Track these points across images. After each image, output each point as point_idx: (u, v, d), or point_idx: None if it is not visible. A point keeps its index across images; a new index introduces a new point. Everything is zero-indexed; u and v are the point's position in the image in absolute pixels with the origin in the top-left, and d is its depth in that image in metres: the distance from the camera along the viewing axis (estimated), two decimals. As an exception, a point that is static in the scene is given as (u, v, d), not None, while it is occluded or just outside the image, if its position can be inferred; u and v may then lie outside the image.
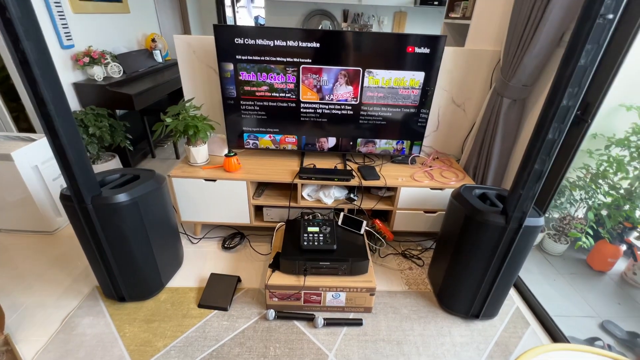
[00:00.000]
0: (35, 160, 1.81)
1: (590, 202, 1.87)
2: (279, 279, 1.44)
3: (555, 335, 1.43)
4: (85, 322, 1.43)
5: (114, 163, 2.34)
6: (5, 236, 1.92)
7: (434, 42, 1.59)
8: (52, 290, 1.59)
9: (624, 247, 1.85)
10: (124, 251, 1.37)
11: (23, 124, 2.28)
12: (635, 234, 1.80)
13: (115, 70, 2.48)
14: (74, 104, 2.25)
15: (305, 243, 1.47)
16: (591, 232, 1.70)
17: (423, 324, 1.48)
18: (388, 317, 1.50)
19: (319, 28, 3.80)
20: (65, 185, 2.00)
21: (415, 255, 1.88)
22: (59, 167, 1.14)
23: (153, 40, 3.11)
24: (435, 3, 3.41)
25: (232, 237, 1.96)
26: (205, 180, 1.72)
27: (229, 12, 5.26)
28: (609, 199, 1.80)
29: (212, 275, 1.65)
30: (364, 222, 1.61)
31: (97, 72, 2.34)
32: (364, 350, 1.35)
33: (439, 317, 1.52)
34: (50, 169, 1.89)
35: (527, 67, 1.48)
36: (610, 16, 0.87)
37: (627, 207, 1.76)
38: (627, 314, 1.64)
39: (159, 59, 3.17)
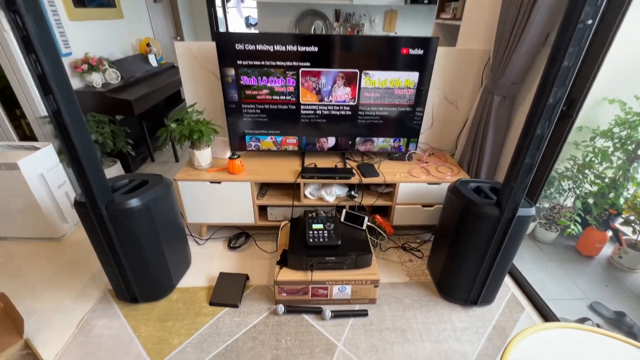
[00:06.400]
0: (41, 169, 1.84)
1: (577, 192, 1.97)
2: (287, 275, 1.51)
3: (548, 317, 1.53)
4: (101, 324, 1.48)
5: (116, 168, 2.37)
6: (12, 244, 1.95)
7: (427, 44, 1.66)
8: (64, 295, 1.63)
9: (610, 233, 1.96)
10: (137, 254, 1.42)
11: (21, 132, 2.30)
12: (620, 219, 1.91)
13: (113, 77, 2.50)
14: (73, 111, 2.27)
15: (311, 240, 1.53)
16: (579, 220, 1.80)
17: (425, 312, 1.56)
18: (392, 307, 1.58)
19: (312, 28, 3.84)
20: (74, 193, 2.04)
21: (415, 247, 1.96)
22: (75, 176, 1.18)
23: (148, 44, 3.12)
24: (425, 2, 3.48)
25: (238, 237, 2.02)
26: (210, 182, 1.78)
27: (219, 12, 5.27)
28: (595, 188, 1.90)
29: (221, 274, 1.71)
30: (366, 218, 1.69)
31: (96, 79, 2.36)
32: (370, 339, 1.43)
33: (440, 305, 1.60)
34: (54, 176, 1.92)
35: (515, 66, 1.57)
36: (590, 22, 0.95)
37: (611, 195, 1.87)
38: (614, 295, 1.75)
39: (154, 63, 3.18)
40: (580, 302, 1.70)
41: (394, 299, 1.63)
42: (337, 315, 1.51)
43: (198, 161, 1.82)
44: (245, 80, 1.73)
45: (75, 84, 2.32)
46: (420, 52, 1.67)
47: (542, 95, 1.08)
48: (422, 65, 1.71)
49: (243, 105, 1.81)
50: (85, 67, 2.27)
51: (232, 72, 1.71)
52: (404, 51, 1.67)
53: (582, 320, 1.57)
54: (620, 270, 1.89)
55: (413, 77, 1.74)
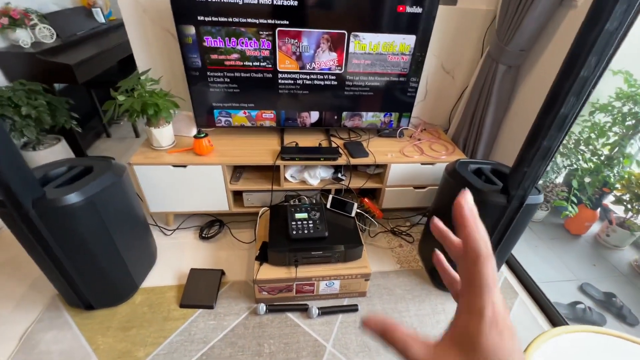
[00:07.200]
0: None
1: (572, 169, 1.89)
2: (268, 272, 1.33)
3: (542, 302, 1.47)
4: (49, 337, 1.25)
5: (60, 148, 2.01)
6: None
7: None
8: (2, 302, 1.37)
9: (599, 211, 1.92)
10: (84, 256, 1.18)
11: None
12: (612, 198, 1.86)
13: (46, 34, 2.05)
14: (-3, 77, 1.85)
15: (295, 232, 1.35)
16: (575, 200, 1.73)
17: (418, 304, 1.46)
18: (383, 300, 1.47)
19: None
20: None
21: (404, 231, 1.84)
22: (-20, 168, 0.89)
23: (90, -5, 2.60)
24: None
25: (210, 225, 1.79)
26: (174, 166, 1.51)
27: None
28: (590, 165, 1.82)
29: (193, 270, 1.51)
30: (355, 204, 1.51)
31: (22, 37, 1.91)
32: (361, 336, 1.31)
33: (433, 295, 1.51)
34: (-23, 160, 1.57)
35: (526, 30, 1.36)
36: (648, -30, 0.75)
37: (605, 172, 1.79)
38: (602, 275, 1.73)
39: (100, 19, 2.68)
40: (570, 283, 1.68)
41: (384, 290, 1.51)
42: (324, 312, 1.38)
43: (157, 141, 1.53)
44: (209, 41, 1.42)
45: (-3, 42, 1.87)
46: (419, 9, 1.42)
47: (573, 67, 0.90)
48: (421, 27, 1.47)
49: (208, 73, 1.50)
50: (5, 21, 1.82)
51: (192, 31, 1.39)
52: (400, 8, 1.41)
53: (574, 304, 1.53)
54: (606, 248, 1.88)
55: (409, 40, 1.50)
